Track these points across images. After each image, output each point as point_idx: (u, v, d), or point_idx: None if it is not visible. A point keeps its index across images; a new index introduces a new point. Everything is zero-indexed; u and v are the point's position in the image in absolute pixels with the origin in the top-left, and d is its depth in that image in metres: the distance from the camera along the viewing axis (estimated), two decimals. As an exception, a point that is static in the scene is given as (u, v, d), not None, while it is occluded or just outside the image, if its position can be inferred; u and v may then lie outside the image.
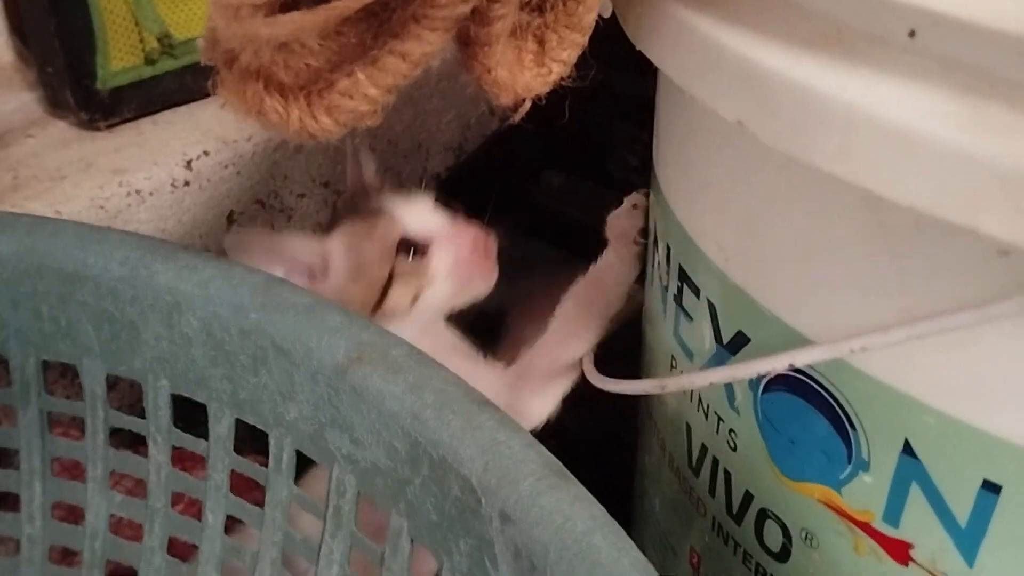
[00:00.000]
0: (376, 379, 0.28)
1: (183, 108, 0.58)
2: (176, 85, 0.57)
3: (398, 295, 0.39)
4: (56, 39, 0.53)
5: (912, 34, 0.19)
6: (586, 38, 0.24)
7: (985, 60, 0.17)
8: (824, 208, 0.22)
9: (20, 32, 0.62)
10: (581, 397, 0.39)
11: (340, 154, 0.62)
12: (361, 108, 0.23)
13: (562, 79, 0.24)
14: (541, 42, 0.23)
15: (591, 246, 0.63)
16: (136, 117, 0.57)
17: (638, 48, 0.24)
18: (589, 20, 0.23)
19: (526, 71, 0.23)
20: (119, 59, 0.55)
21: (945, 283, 0.20)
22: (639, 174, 0.59)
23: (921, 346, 0.21)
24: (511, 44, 0.23)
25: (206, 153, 0.56)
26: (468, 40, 0.22)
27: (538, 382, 0.40)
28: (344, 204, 0.47)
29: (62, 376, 0.41)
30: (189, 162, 0.55)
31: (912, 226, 0.19)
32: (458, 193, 0.70)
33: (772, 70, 0.20)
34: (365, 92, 0.22)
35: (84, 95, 0.55)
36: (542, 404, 0.40)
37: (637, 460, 0.37)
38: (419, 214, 0.41)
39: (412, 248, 0.39)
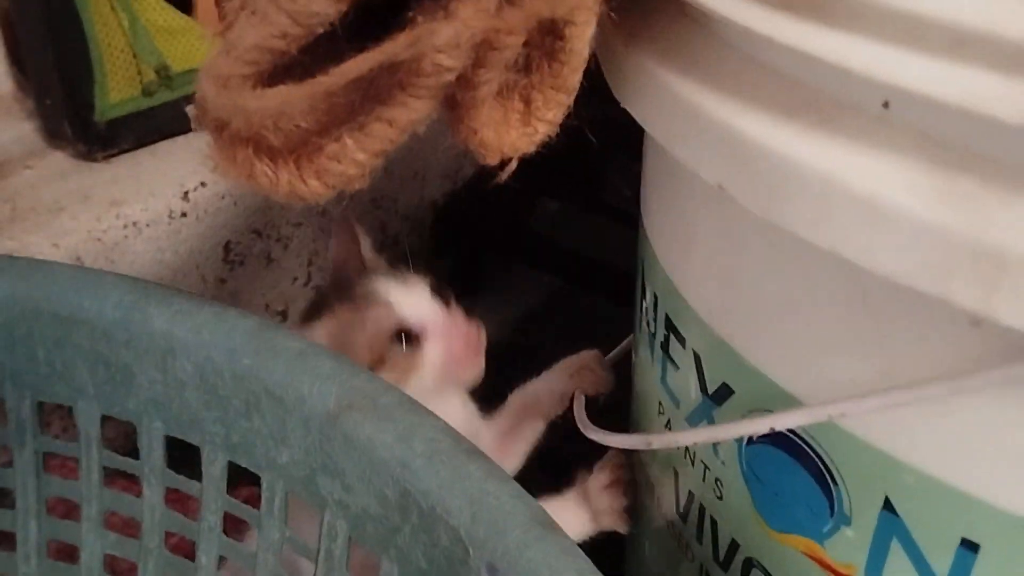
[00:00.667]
0: (367, 427, 0.29)
1: (180, 139, 0.59)
2: (173, 116, 0.58)
3: (389, 376, 0.38)
4: (55, 71, 0.54)
5: (886, 105, 0.19)
6: (571, 98, 0.24)
7: (956, 134, 0.18)
8: (806, 270, 0.22)
9: (20, 63, 0.63)
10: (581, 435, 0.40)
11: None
12: (349, 172, 0.23)
13: (543, 138, 0.24)
14: (527, 102, 0.24)
15: (584, 274, 0.63)
16: (134, 148, 0.57)
17: (624, 107, 0.25)
18: (574, 81, 0.24)
19: (512, 131, 0.24)
20: (117, 91, 0.55)
21: (922, 351, 0.20)
22: (632, 204, 0.60)
23: (901, 409, 0.21)
24: (497, 104, 0.23)
25: (203, 184, 0.56)
26: (454, 104, 0.23)
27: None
28: (333, 282, 0.45)
29: (59, 410, 0.42)
30: (186, 193, 0.55)
31: (890, 293, 0.20)
32: (454, 220, 0.70)
33: (751, 136, 0.20)
34: (353, 157, 0.23)
35: (82, 126, 0.55)
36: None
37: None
38: (415, 302, 0.40)
39: (406, 338, 0.39)
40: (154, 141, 0.58)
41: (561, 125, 0.26)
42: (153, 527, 0.35)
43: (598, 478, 0.37)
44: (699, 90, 0.22)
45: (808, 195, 0.19)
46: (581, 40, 0.23)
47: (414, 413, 0.29)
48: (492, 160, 0.24)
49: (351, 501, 0.30)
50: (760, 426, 0.23)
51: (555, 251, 0.65)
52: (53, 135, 0.57)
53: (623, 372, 0.39)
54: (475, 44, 0.21)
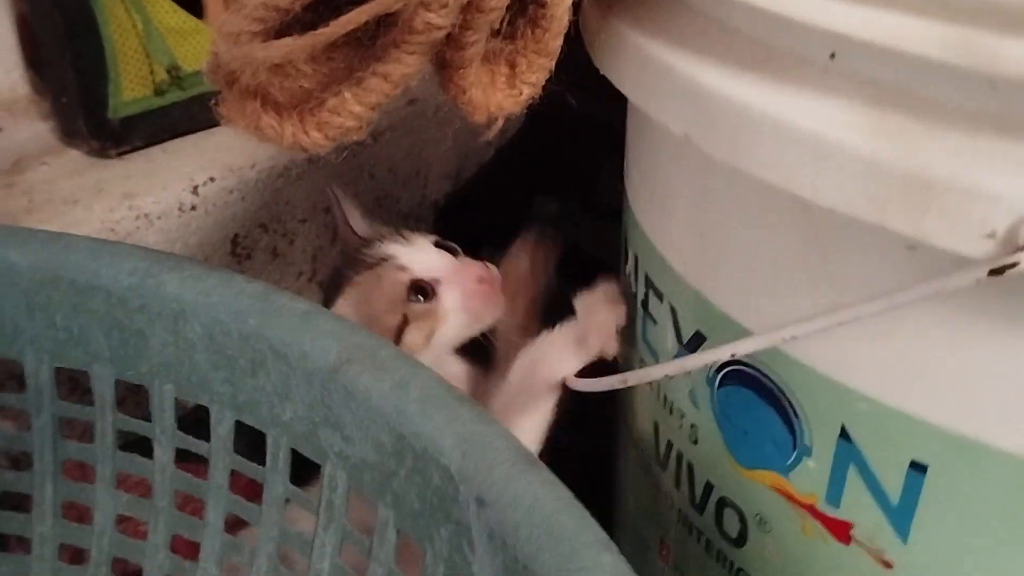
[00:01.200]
0: (365, 378, 0.31)
1: (191, 137, 0.61)
2: (184, 115, 0.60)
3: (413, 337, 0.41)
4: (70, 71, 0.56)
5: (833, 56, 0.21)
6: (552, 62, 0.26)
7: (890, 77, 0.20)
8: (763, 214, 0.24)
9: (36, 64, 0.66)
10: (575, 413, 0.41)
11: (338, 180, 0.64)
12: (348, 124, 0.25)
13: (532, 99, 0.27)
14: (512, 66, 0.26)
15: (580, 269, 0.65)
16: (146, 145, 0.60)
17: (601, 71, 0.27)
18: (555, 46, 0.26)
19: (498, 92, 0.26)
20: (130, 90, 0.58)
21: (866, 279, 0.22)
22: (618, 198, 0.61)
23: (850, 337, 0.23)
24: (484, 68, 0.25)
25: (212, 179, 0.58)
26: (444, 63, 0.25)
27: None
28: (344, 258, 0.48)
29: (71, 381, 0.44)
30: (196, 188, 0.57)
31: (835, 226, 0.22)
32: (455, 219, 0.73)
33: (714, 89, 0.22)
34: (351, 110, 0.25)
35: (96, 124, 0.57)
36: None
37: (615, 465, 0.39)
38: (423, 257, 0.42)
39: (421, 291, 0.41)
40: (165, 138, 0.60)
41: (558, 125, 0.28)
42: (164, 487, 0.37)
43: (587, 298, 0.37)
44: (667, 50, 0.24)
45: (763, 139, 0.21)
46: (561, 7, 0.25)
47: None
48: (479, 119, 0.27)
49: (350, 451, 0.32)
50: (723, 353, 0.25)
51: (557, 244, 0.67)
52: (68, 133, 0.60)
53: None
54: (463, 6, 0.23)
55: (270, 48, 0.24)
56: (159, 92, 0.59)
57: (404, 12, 0.23)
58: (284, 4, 0.23)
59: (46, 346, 0.37)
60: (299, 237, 0.64)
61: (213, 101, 0.28)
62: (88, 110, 0.57)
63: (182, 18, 0.59)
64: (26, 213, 0.54)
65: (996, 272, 0.18)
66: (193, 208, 0.57)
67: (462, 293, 0.41)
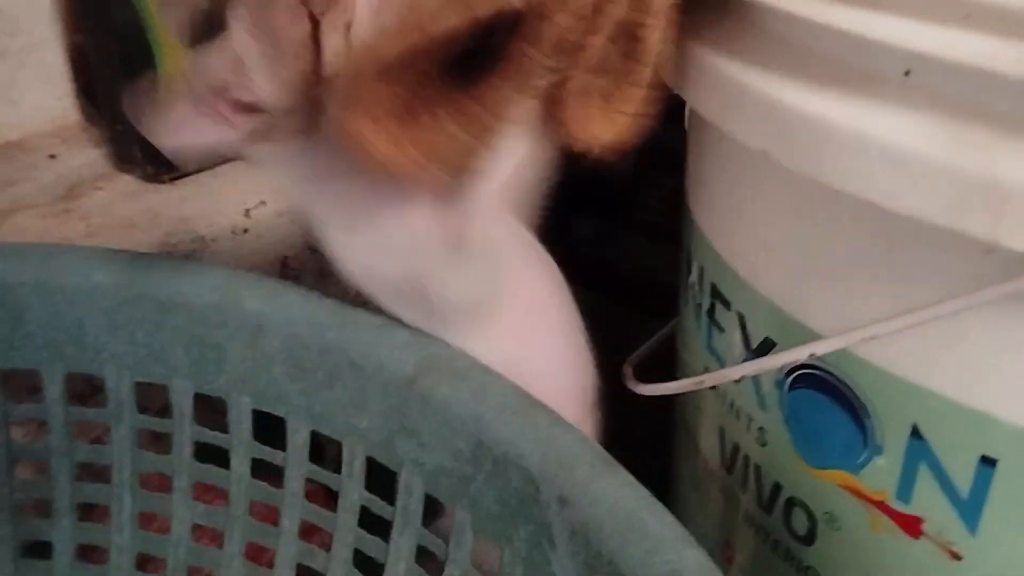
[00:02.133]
0: (443, 387, 0.32)
1: (241, 162, 0.63)
2: (235, 140, 0.62)
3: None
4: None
5: (907, 73, 0.22)
6: (646, 90, 0.27)
7: (966, 93, 0.21)
8: (837, 222, 0.25)
9: (87, 92, 0.68)
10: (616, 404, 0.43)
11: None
12: (459, 157, 0.26)
13: (627, 128, 0.28)
14: (607, 98, 0.27)
15: (619, 288, 0.67)
16: (198, 170, 0.61)
17: (675, 91, 0.28)
18: (647, 75, 0.27)
19: (594, 124, 0.27)
20: (184, 117, 0.60)
21: (941, 282, 0.23)
22: (664, 217, 0.63)
23: (923, 338, 0.24)
24: (580, 101, 0.27)
25: (263, 203, 0.60)
26: (542, 98, 0.26)
27: None
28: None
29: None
30: (248, 211, 0.59)
31: (912, 233, 0.23)
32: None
33: (790, 105, 0.24)
34: (465, 144, 0.25)
35: (151, 150, 0.59)
36: None
37: (674, 468, 0.40)
38: None
39: None
40: (217, 164, 0.62)
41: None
42: (240, 496, 0.38)
43: None
44: (743, 69, 0.25)
45: (842, 151, 0.23)
46: (655, 40, 0.26)
47: (486, 373, 0.32)
48: (578, 149, 0.28)
49: (426, 458, 0.33)
50: (801, 354, 0.26)
51: (592, 266, 0.68)
52: (123, 159, 0.61)
53: (663, 359, 0.42)
54: (567, 47, 0.24)
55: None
56: (211, 119, 0.61)
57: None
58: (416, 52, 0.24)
59: (127, 362, 0.38)
60: (344, 258, 0.66)
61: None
62: (142, 138, 0.59)
63: (233, 47, 0.61)
64: (85, 238, 0.56)
65: (1070, 272, 0.19)
66: (246, 231, 0.59)
67: None
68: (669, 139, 0.34)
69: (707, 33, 0.28)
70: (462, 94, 0.25)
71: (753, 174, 0.28)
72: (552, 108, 0.27)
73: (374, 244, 0.33)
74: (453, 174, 0.26)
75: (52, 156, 0.64)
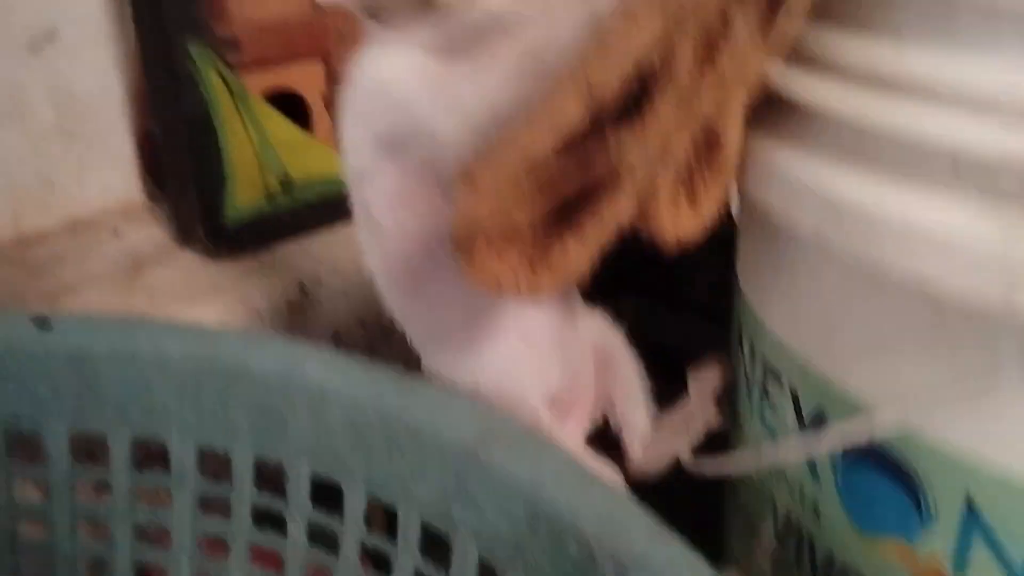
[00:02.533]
0: (501, 456, 0.33)
1: (297, 241, 0.65)
2: (292, 220, 0.65)
3: None
4: (191, 181, 0.61)
5: (955, 166, 0.24)
6: (731, 175, 0.29)
7: (1011, 186, 0.23)
8: (889, 302, 0.26)
9: (153, 174, 0.71)
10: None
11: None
12: (573, 269, 0.28)
13: (710, 221, 0.29)
14: (692, 189, 0.29)
15: (670, 368, 0.67)
16: (256, 248, 0.64)
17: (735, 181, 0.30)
18: (730, 166, 0.29)
19: (682, 216, 0.29)
20: (244, 198, 0.62)
21: (991, 355, 0.24)
22: (713, 296, 0.64)
23: (975, 412, 0.25)
24: (667, 194, 0.28)
25: (318, 280, 0.62)
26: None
27: None
28: None
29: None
30: (303, 287, 0.61)
31: (961, 313, 0.24)
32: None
33: (843, 191, 0.25)
34: (577, 256, 0.27)
35: (213, 229, 0.62)
36: None
37: (726, 541, 0.40)
38: None
39: None
40: (274, 241, 0.64)
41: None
42: (295, 561, 0.39)
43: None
44: (796, 156, 0.27)
45: (894, 237, 0.24)
46: (735, 132, 0.28)
47: (544, 443, 0.33)
48: (668, 241, 0.29)
49: (482, 525, 0.34)
50: (856, 432, 0.27)
51: (640, 345, 0.69)
52: (185, 237, 0.64)
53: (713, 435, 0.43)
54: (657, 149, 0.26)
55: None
56: (270, 199, 0.64)
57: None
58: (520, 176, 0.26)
59: (192, 428, 0.39)
60: (394, 333, 0.67)
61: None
62: (205, 216, 0.62)
63: (293, 132, 0.64)
64: (148, 311, 0.58)
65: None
66: (301, 307, 0.61)
67: None
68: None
69: (762, 124, 0.29)
70: (574, 210, 0.27)
71: (806, 256, 0.29)
72: (641, 204, 0.28)
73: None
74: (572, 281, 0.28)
75: (117, 233, 0.67)
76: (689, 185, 0.29)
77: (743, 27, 0.27)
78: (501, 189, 0.27)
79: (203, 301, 0.58)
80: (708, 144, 0.28)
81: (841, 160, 0.26)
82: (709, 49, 0.27)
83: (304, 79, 0.65)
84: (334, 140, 0.68)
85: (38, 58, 0.64)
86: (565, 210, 0.28)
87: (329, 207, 0.66)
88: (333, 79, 0.66)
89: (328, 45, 0.65)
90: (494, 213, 0.27)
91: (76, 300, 0.58)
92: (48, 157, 0.66)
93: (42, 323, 0.40)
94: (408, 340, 0.45)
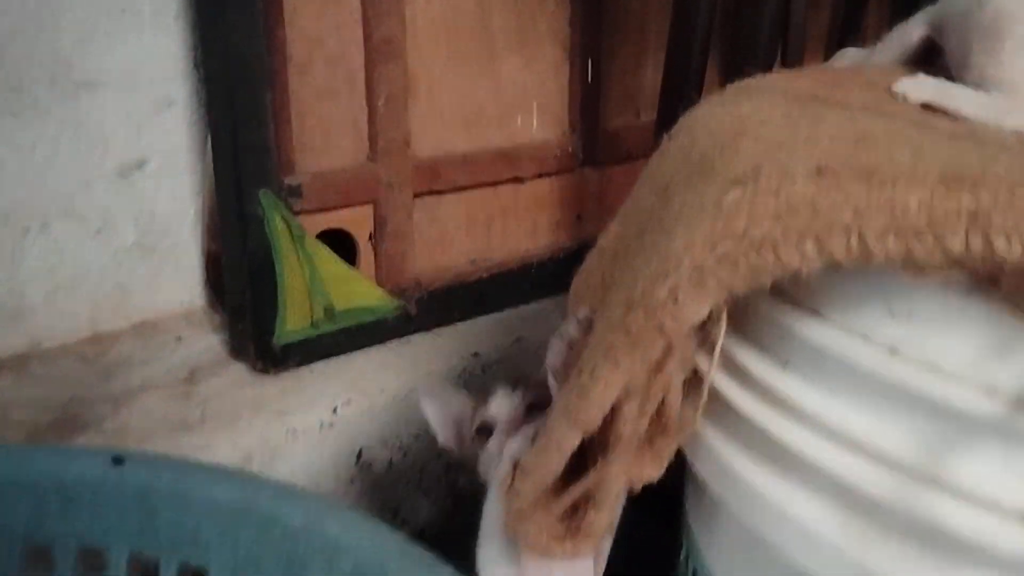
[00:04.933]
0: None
1: (334, 361, 0.74)
2: (332, 343, 0.73)
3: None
4: (250, 307, 0.70)
5: (817, 478, 0.31)
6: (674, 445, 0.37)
7: (863, 504, 0.30)
8: (777, 569, 0.34)
9: (213, 284, 0.80)
10: None
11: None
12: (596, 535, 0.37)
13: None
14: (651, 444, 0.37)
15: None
16: (297, 366, 0.72)
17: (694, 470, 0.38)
18: (674, 434, 0.37)
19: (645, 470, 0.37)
20: (293, 323, 0.71)
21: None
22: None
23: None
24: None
25: (348, 402, 0.70)
26: None
27: None
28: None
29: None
30: (335, 408, 0.69)
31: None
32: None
33: (741, 475, 0.33)
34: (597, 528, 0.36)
35: (263, 349, 0.70)
36: None
37: None
38: None
39: None
40: (314, 361, 0.73)
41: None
42: None
43: None
44: (722, 442, 0.35)
45: (771, 515, 0.31)
46: (675, 406, 0.36)
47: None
48: (635, 487, 0.38)
49: None
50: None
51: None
52: (237, 351, 0.73)
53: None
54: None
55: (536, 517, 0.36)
56: (315, 325, 0.72)
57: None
58: (546, 483, 0.35)
59: (228, 562, 0.48)
60: (411, 451, 0.75)
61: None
62: (257, 337, 0.70)
63: (340, 267, 0.73)
64: (199, 423, 0.66)
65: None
66: (331, 425, 0.69)
67: None
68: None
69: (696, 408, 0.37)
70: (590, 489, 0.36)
71: (721, 508, 0.37)
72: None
73: None
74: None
75: (179, 338, 0.76)
76: (650, 449, 0.37)
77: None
78: (536, 494, 0.36)
79: (247, 419, 0.67)
80: (657, 423, 0.36)
81: (740, 442, 0.34)
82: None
83: (354, 221, 0.74)
84: (376, 272, 0.77)
85: (127, 183, 0.73)
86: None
87: (364, 332, 0.75)
88: (380, 221, 0.75)
89: (378, 192, 0.74)
90: (533, 509, 0.36)
91: (136, 407, 0.66)
92: (126, 268, 0.75)
93: (117, 460, 0.48)
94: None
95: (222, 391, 0.70)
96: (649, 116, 0.85)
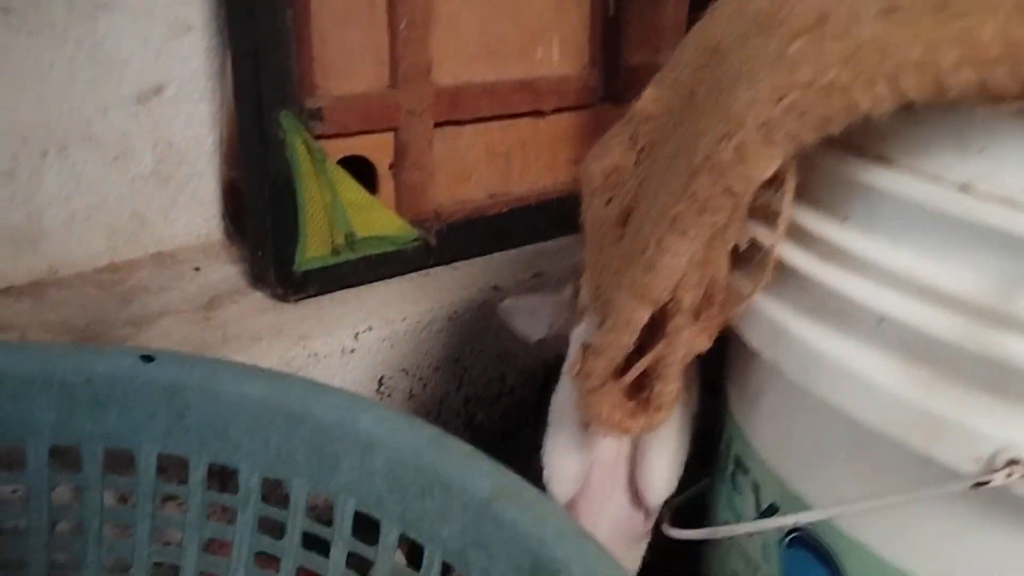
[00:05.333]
0: (511, 511, 0.40)
1: (354, 290, 0.73)
2: (352, 271, 0.73)
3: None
4: (270, 232, 0.69)
5: (880, 322, 0.31)
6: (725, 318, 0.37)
7: (920, 344, 0.29)
8: (827, 422, 0.33)
9: (231, 217, 0.79)
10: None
11: (468, 337, 0.75)
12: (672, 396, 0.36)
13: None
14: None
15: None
16: (318, 294, 0.72)
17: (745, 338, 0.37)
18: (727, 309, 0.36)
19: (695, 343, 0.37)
20: (313, 250, 0.70)
21: (897, 476, 0.31)
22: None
23: (887, 518, 0.31)
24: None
25: (370, 328, 0.70)
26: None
27: None
28: None
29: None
30: (356, 334, 0.69)
31: (879, 436, 0.31)
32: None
33: (793, 330, 0.32)
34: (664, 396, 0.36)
35: (283, 275, 0.70)
36: None
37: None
38: None
39: None
40: (335, 289, 0.72)
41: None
42: (334, 582, 0.46)
43: None
44: (763, 296, 0.34)
45: (830, 373, 0.31)
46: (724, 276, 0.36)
47: (548, 503, 0.40)
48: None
49: (493, 568, 0.41)
50: (789, 520, 0.33)
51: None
52: (257, 279, 0.72)
53: (697, 508, 0.49)
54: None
55: (612, 392, 0.35)
56: (335, 252, 0.71)
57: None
58: (619, 357, 0.35)
59: (259, 459, 0.47)
60: (431, 382, 0.75)
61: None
62: (278, 264, 0.70)
63: (361, 194, 0.72)
64: (221, 344, 0.66)
65: (979, 485, 0.27)
66: (352, 351, 0.69)
67: None
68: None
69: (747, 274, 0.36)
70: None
71: (770, 374, 0.36)
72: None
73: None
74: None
75: (197, 268, 0.75)
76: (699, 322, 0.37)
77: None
78: (607, 374, 0.35)
79: (268, 341, 0.66)
80: (710, 298, 0.36)
81: (793, 301, 0.33)
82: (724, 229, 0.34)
83: (375, 148, 0.73)
84: (396, 201, 0.76)
85: (144, 109, 0.73)
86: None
87: (383, 262, 0.74)
88: (400, 149, 0.74)
89: (399, 119, 0.73)
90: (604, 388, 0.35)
91: (157, 329, 0.66)
92: (143, 197, 0.74)
93: (147, 358, 0.47)
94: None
95: (242, 316, 0.69)
96: (668, 55, 0.84)
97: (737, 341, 0.40)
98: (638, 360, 0.36)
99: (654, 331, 0.36)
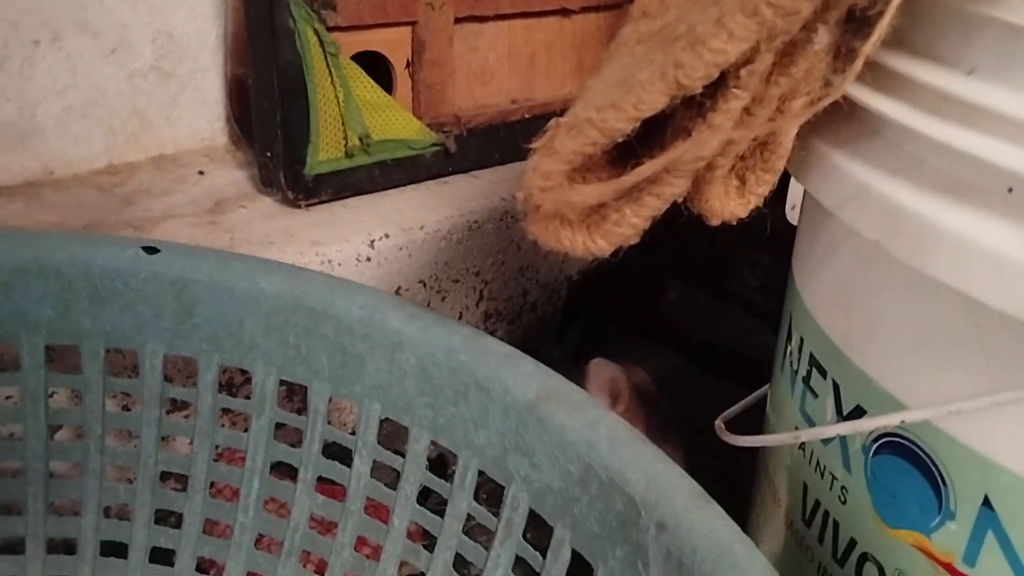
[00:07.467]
0: (560, 415, 0.36)
1: (369, 196, 0.69)
2: (367, 176, 0.68)
3: None
4: (279, 130, 0.64)
5: (1010, 191, 0.26)
6: (777, 177, 0.32)
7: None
8: (932, 308, 0.29)
9: (237, 120, 0.74)
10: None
11: (489, 249, 0.71)
12: (627, 233, 0.31)
13: (757, 207, 0.32)
14: (743, 181, 0.32)
15: (704, 353, 0.70)
16: (331, 200, 0.67)
17: (799, 182, 0.33)
18: (780, 165, 0.31)
19: (731, 202, 0.32)
20: (325, 151, 0.66)
21: (1019, 368, 0.27)
22: (758, 294, 0.67)
23: (1000, 417, 0.28)
24: (722, 183, 0.31)
25: (386, 236, 0.65)
26: (693, 179, 0.31)
27: None
28: None
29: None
30: (372, 242, 0.65)
31: (1001, 324, 0.27)
32: (586, 293, 0.78)
33: (905, 204, 0.28)
34: (631, 222, 0.30)
35: (294, 178, 0.65)
36: None
37: (752, 521, 0.43)
38: None
39: None
40: (348, 195, 0.68)
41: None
42: (357, 492, 0.43)
43: None
44: (864, 169, 0.29)
45: (947, 249, 0.27)
46: (789, 136, 0.31)
47: (600, 408, 0.36)
48: (715, 222, 0.32)
49: (536, 477, 0.37)
50: (892, 420, 0.30)
51: (677, 330, 0.72)
52: (266, 183, 0.67)
53: (751, 420, 0.45)
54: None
55: (582, 192, 0.30)
56: (349, 155, 0.67)
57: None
58: (589, 151, 0.29)
59: (276, 361, 0.43)
60: (450, 295, 0.71)
61: (520, 219, 0.33)
62: (288, 166, 0.65)
63: (376, 94, 0.67)
64: (229, 248, 0.61)
65: None
66: (368, 259, 0.64)
67: None
68: (768, 219, 0.38)
69: (831, 133, 0.32)
70: (641, 190, 0.30)
71: (862, 259, 0.32)
72: (700, 188, 0.31)
73: None
74: (625, 244, 0.32)
75: (201, 172, 0.71)
76: (742, 177, 0.32)
77: (823, 42, 0.29)
78: (575, 158, 0.30)
79: (279, 246, 0.62)
80: (765, 144, 0.31)
81: (903, 173, 0.29)
82: (785, 56, 0.29)
83: (391, 43, 0.68)
84: (413, 103, 0.71)
85: (144, -1, 0.67)
86: (630, 191, 0.30)
87: (400, 168, 0.70)
88: (418, 45, 0.69)
89: (417, 12, 0.68)
90: (564, 179, 0.30)
91: (160, 232, 0.61)
92: (143, 93, 0.69)
93: (150, 249, 0.43)
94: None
95: (251, 221, 0.65)
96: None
97: (816, 219, 0.35)
98: (596, 178, 0.31)
99: (650, 145, 0.30)
